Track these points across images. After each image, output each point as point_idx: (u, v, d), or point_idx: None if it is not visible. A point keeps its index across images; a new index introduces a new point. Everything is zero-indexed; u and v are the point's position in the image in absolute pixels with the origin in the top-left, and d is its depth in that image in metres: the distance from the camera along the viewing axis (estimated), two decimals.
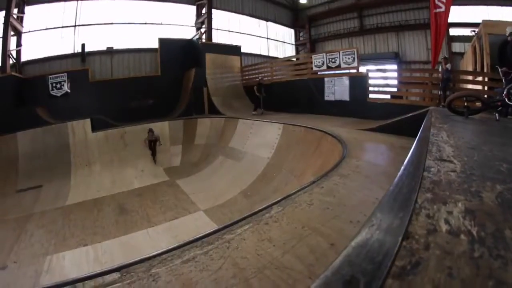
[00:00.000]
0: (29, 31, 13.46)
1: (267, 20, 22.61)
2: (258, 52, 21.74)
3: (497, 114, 4.88)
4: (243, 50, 17.10)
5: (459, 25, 15.89)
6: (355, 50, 11.25)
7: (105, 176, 9.49)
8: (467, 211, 0.98)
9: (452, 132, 2.95)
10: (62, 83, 12.57)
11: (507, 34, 5.93)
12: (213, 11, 17.37)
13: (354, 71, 11.07)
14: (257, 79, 13.34)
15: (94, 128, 10.54)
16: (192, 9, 17.95)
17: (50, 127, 10.24)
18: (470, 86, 9.09)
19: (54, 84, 12.48)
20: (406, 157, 1.97)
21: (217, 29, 18.38)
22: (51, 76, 12.50)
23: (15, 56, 12.97)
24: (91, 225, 6.69)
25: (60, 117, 11.06)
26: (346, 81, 10.92)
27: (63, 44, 14.16)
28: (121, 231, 6.38)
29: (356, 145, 5.54)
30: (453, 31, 16.36)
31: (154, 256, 2.05)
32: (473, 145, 2.26)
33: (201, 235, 2.34)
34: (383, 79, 10.74)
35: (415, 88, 10.42)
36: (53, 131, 10.12)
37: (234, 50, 16.20)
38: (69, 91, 12.62)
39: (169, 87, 14.26)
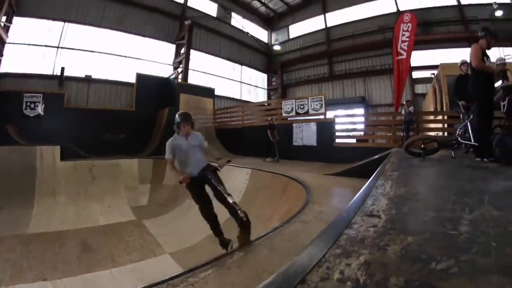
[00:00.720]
0: (13, 43, 12.97)
1: (242, 64, 23.56)
2: (231, 95, 22.33)
3: (453, 152, 5.11)
4: (216, 92, 17.61)
5: (420, 68, 17.35)
6: (323, 96, 11.83)
7: (70, 209, 9.04)
8: (365, 263, 1.13)
9: (399, 180, 3.18)
10: (37, 103, 12.25)
11: (459, 65, 6.34)
12: (192, 51, 17.83)
13: (321, 117, 11.52)
14: (268, 121, 11.84)
15: (64, 157, 10.22)
16: (172, 47, 18.51)
17: (18, 148, 9.87)
18: (432, 125, 9.75)
19: (28, 103, 12.12)
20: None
21: (193, 69, 18.87)
22: (27, 95, 12.15)
23: None
24: (51, 259, 6.25)
25: (30, 138, 10.79)
26: (313, 126, 11.31)
27: (43, 63, 13.91)
28: (83, 268, 6.00)
29: (320, 191, 5.69)
30: (416, 74, 17.76)
31: None
32: (412, 193, 2.46)
33: (166, 277, 2.48)
34: (351, 124, 11.21)
35: (380, 131, 10.96)
36: (21, 152, 9.69)
37: (208, 92, 16.64)
38: (42, 113, 12.31)
39: (142, 123, 14.30)
